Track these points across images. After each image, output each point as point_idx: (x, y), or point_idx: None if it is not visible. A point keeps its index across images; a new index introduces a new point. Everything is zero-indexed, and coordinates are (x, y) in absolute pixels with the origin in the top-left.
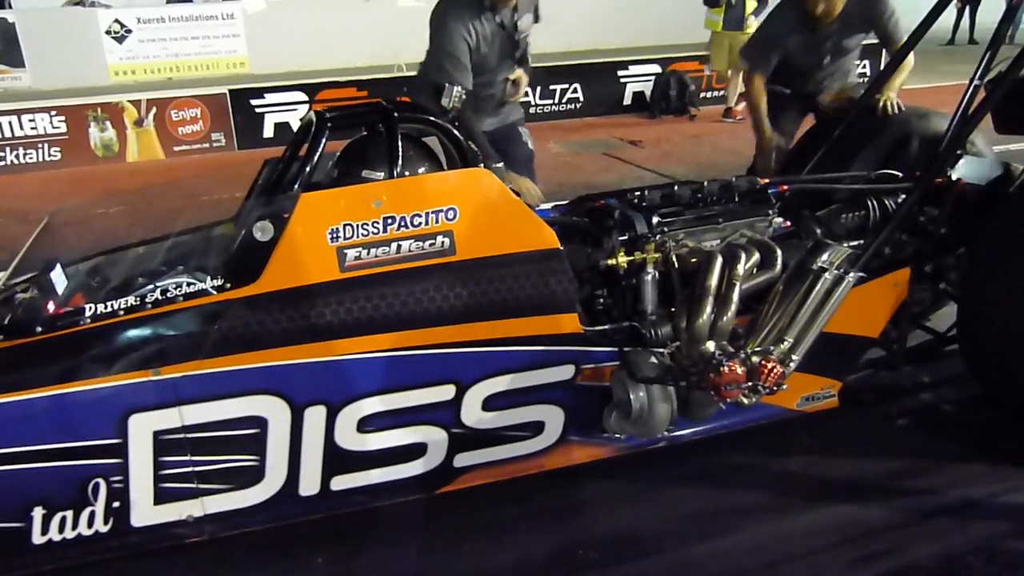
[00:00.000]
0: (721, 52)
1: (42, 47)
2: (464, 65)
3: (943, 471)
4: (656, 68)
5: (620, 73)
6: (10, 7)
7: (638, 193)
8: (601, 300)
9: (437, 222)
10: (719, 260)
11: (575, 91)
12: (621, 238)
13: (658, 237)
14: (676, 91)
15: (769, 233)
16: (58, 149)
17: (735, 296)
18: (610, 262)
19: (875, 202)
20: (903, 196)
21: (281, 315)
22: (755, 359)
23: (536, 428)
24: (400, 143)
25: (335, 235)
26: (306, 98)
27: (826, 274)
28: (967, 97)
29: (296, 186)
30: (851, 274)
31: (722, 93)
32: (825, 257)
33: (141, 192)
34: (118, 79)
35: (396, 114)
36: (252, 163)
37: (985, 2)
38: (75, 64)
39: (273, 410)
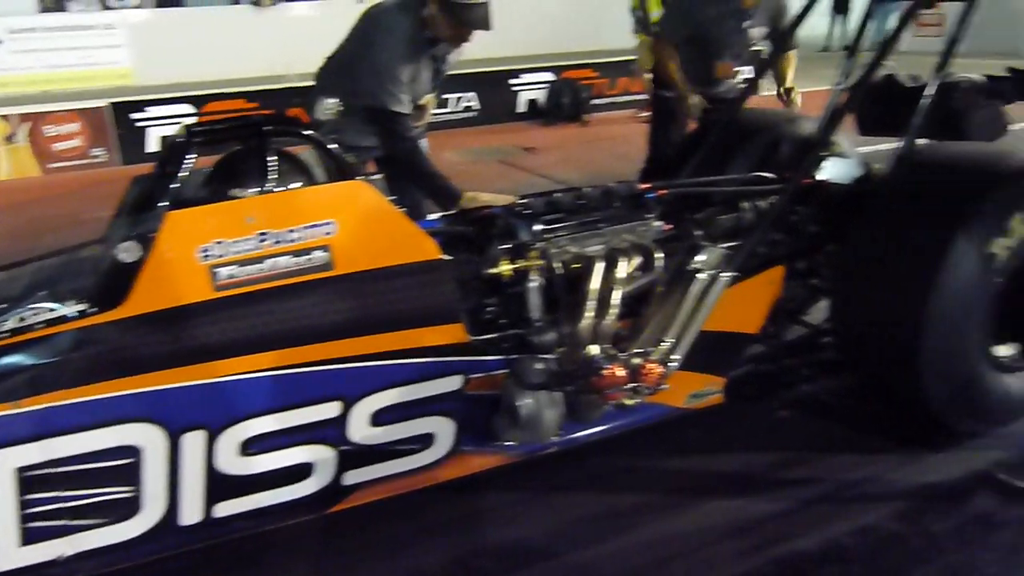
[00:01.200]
0: (644, 54)
1: None
2: (407, 90)
3: (823, 458)
4: (549, 76)
5: (513, 81)
6: None
7: (523, 201)
8: (488, 309)
9: (314, 236)
10: (600, 265)
11: (470, 100)
12: (504, 247)
13: (540, 244)
14: (569, 98)
15: (650, 236)
16: None
17: (616, 300)
18: (494, 271)
19: (749, 204)
20: (775, 197)
21: (151, 338)
22: (636, 361)
23: (426, 441)
24: (276, 158)
25: (206, 253)
26: (193, 110)
27: (700, 275)
28: (831, 101)
29: (163, 203)
30: (724, 274)
31: (613, 100)
32: (700, 258)
33: (10, 212)
34: None
35: (267, 128)
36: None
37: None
38: None
39: (148, 438)
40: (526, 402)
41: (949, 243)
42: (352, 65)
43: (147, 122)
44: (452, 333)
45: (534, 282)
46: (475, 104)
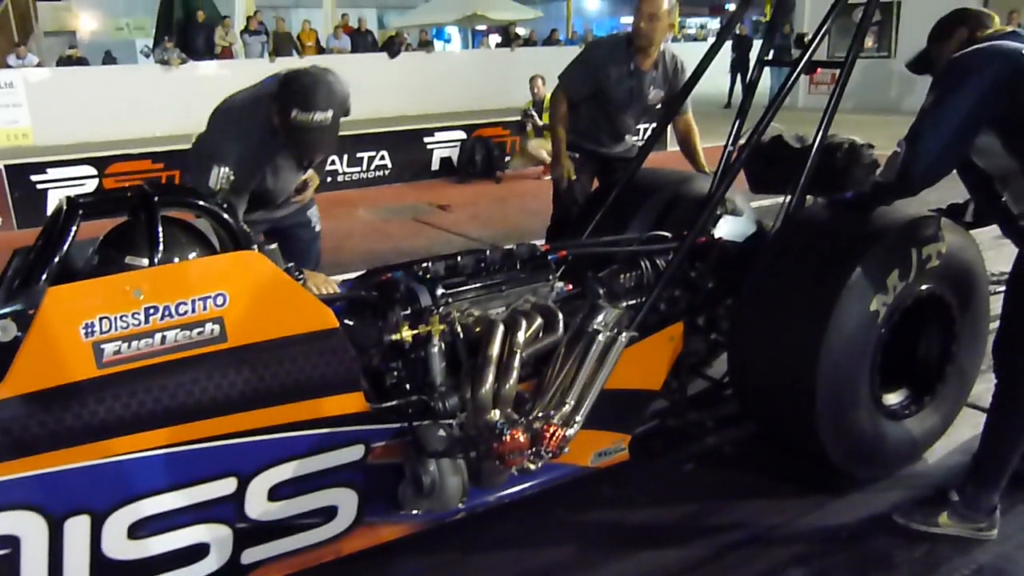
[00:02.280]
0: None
1: None
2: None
3: (730, 508)
4: (462, 134)
5: (427, 139)
6: None
7: (424, 264)
8: (390, 375)
9: (205, 309)
10: (500, 328)
11: (383, 158)
12: (405, 312)
13: (442, 308)
14: (482, 155)
15: (552, 297)
16: None
17: (516, 363)
18: (394, 336)
19: (648, 262)
20: (672, 255)
21: (30, 420)
22: (537, 424)
23: (328, 513)
24: (169, 228)
25: (90, 330)
26: (95, 172)
27: (600, 336)
28: (723, 161)
29: (43, 279)
30: (623, 334)
31: None
32: (600, 319)
33: None
34: None
35: (157, 198)
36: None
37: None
38: None
39: (26, 526)
40: (428, 470)
41: (832, 300)
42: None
43: (46, 184)
44: (351, 402)
45: (436, 347)
46: (388, 162)
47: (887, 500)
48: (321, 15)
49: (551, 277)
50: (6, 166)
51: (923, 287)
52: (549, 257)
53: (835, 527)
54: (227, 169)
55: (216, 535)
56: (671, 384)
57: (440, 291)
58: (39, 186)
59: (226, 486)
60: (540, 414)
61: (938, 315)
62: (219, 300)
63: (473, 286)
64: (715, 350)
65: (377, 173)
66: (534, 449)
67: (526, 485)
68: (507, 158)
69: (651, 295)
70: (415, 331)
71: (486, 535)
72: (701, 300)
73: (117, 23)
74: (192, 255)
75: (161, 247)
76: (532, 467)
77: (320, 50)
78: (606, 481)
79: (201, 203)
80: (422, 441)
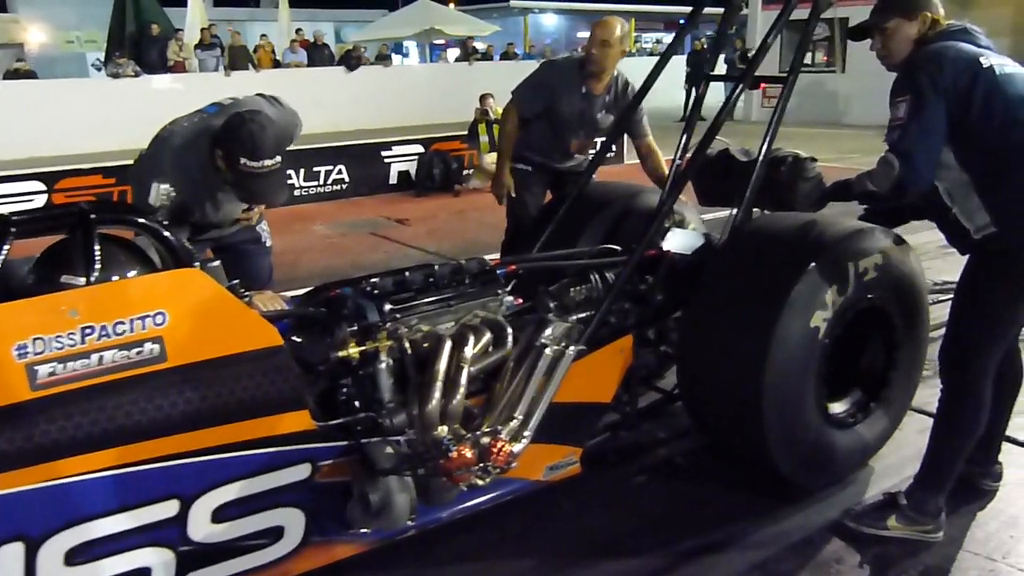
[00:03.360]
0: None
1: None
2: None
3: (685, 518)
4: (419, 148)
5: (384, 153)
6: None
7: (373, 280)
8: (338, 392)
9: (144, 328)
10: (447, 344)
11: (340, 172)
12: (352, 328)
13: (389, 324)
14: (440, 169)
15: (502, 312)
16: None
17: (464, 378)
18: (341, 353)
19: (597, 276)
20: (621, 268)
21: None
22: (485, 439)
23: (275, 534)
24: (108, 246)
25: (23, 351)
26: (44, 188)
27: (547, 350)
28: (671, 175)
29: None
30: (571, 348)
31: None
32: (548, 333)
33: None
34: None
35: (95, 215)
36: None
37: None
38: None
39: None
40: (376, 488)
41: (774, 315)
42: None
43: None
44: (297, 420)
45: (384, 363)
46: (346, 176)
47: (837, 505)
48: (277, 29)
49: (500, 292)
50: None
51: (863, 299)
52: (498, 272)
53: (787, 533)
54: (167, 186)
55: (159, 559)
56: (622, 397)
57: (388, 307)
58: None
59: (168, 508)
60: (488, 429)
61: (880, 324)
62: (158, 319)
63: (421, 301)
64: (666, 362)
65: (334, 187)
66: (482, 465)
67: (479, 500)
68: (465, 172)
69: (600, 308)
70: (362, 348)
71: (440, 551)
72: (651, 313)
73: (67, 36)
74: (131, 273)
75: (98, 265)
76: (481, 483)
77: (276, 64)
78: (559, 494)
79: (140, 220)
80: (370, 459)
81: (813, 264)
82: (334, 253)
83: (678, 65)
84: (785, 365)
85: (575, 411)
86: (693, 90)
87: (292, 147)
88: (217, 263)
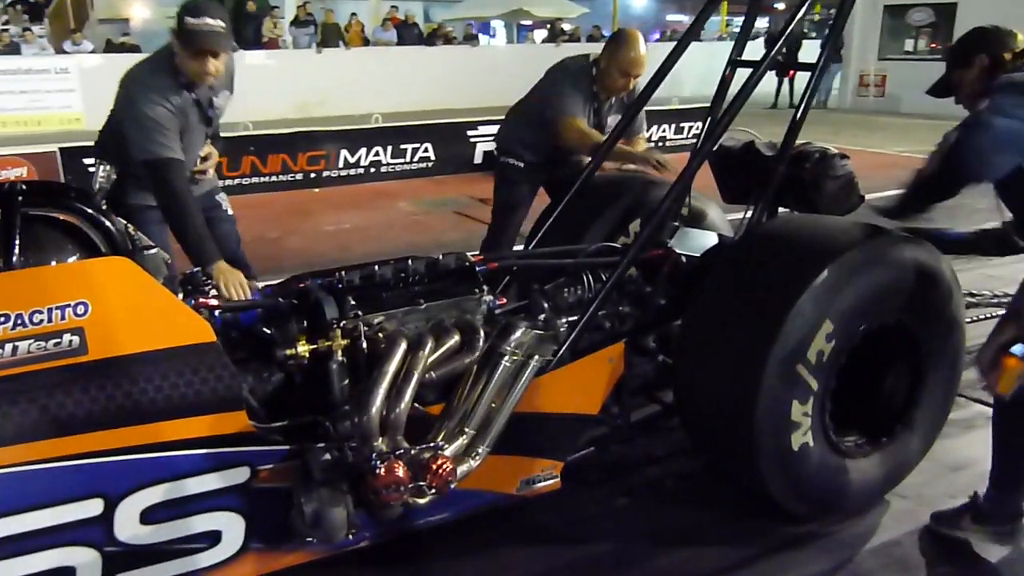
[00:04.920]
0: None
1: None
2: (176, 138)
3: (668, 549)
4: None
5: (470, 133)
6: None
7: (340, 273)
8: (283, 393)
9: (63, 318)
10: (401, 346)
11: (426, 150)
12: (308, 324)
13: (345, 323)
14: None
15: (481, 312)
16: None
17: (411, 386)
18: (289, 352)
19: (591, 277)
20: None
21: None
22: (426, 455)
23: (212, 538)
24: (40, 230)
25: None
26: None
27: (505, 360)
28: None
29: None
30: (534, 358)
31: None
32: (514, 338)
33: None
34: None
35: (22, 196)
36: None
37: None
38: None
39: None
40: (310, 499)
41: (774, 325)
42: (119, 127)
43: None
44: (231, 422)
45: (336, 364)
46: (432, 155)
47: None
48: (368, 7)
49: (478, 291)
50: (60, 149)
51: (883, 315)
52: (478, 269)
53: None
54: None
55: (83, 559)
56: (611, 408)
57: (350, 303)
58: (91, 168)
59: (91, 507)
60: (431, 444)
61: (904, 346)
62: (79, 309)
63: (388, 298)
64: (666, 372)
65: (420, 165)
66: (416, 484)
67: (444, 514)
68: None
69: (586, 312)
70: (313, 346)
71: (388, 568)
72: (650, 318)
73: (168, 12)
74: (57, 261)
75: (17, 250)
76: (419, 502)
77: (366, 42)
78: (533, 510)
79: (71, 203)
80: (308, 466)
81: (824, 274)
82: (417, 230)
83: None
84: (785, 383)
85: (556, 422)
86: (786, 79)
87: (381, 124)
88: (155, 250)
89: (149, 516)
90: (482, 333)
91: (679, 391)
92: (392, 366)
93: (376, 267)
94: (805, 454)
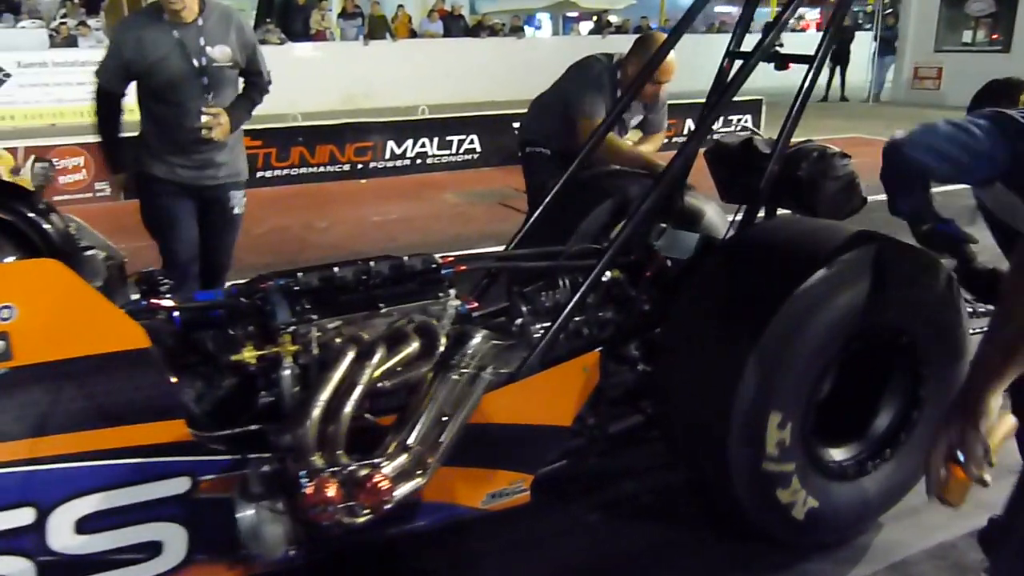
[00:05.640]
0: None
1: None
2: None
3: (640, 568)
4: None
5: (516, 124)
6: None
7: (298, 275)
8: (228, 401)
9: None
10: (348, 355)
11: (472, 142)
12: (258, 328)
13: (296, 327)
14: None
15: (448, 316)
16: None
17: (353, 398)
18: (235, 358)
19: (568, 280)
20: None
21: None
22: (361, 472)
23: (152, 549)
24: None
25: None
26: None
27: (453, 374)
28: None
29: None
30: (487, 371)
31: None
32: (467, 349)
33: None
34: None
35: None
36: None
37: (853, 63)
38: None
39: None
40: (245, 513)
41: (753, 335)
42: None
43: None
44: (169, 430)
45: (286, 371)
46: (477, 146)
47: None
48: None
49: (441, 294)
50: None
51: (877, 327)
52: (445, 271)
53: None
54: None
55: (15, 568)
56: (587, 420)
57: (305, 306)
58: None
59: (22, 516)
60: (369, 461)
61: (903, 360)
62: (4, 313)
63: (345, 301)
64: (648, 383)
65: (466, 157)
66: (349, 504)
67: (403, 528)
68: None
69: (558, 319)
70: (261, 352)
71: None
72: (632, 324)
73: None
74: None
75: None
76: (354, 521)
77: (412, 34)
78: (501, 525)
79: (8, 203)
80: (246, 479)
81: (809, 281)
82: (462, 222)
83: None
84: (761, 398)
85: (525, 434)
86: (838, 69)
87: (427, 116)
88: (92, 252)
89: (85, 525)
90: (443, 340)
91: (656, 402)
92: (335, 375)
93: (336, 269)
94: (783, 472)
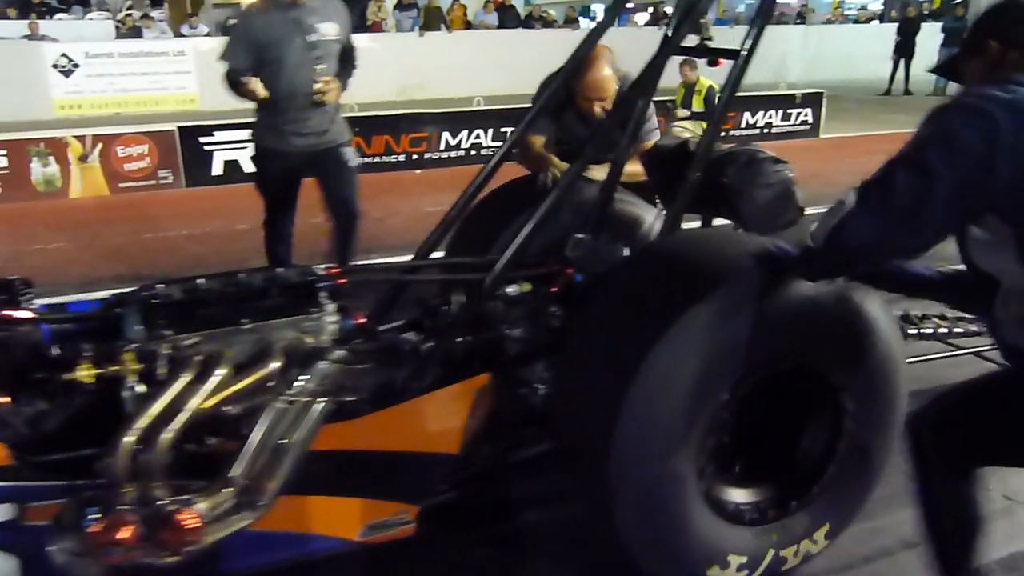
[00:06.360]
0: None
1: None
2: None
3: None
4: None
5: None
6: None
7: (158, 287)
8: (72, 421)
9: None
10: (184, 376)
11: None
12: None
13: (139, 345)
14: None
15: (329, 332)
16: None
17: (175, 425)
18: (67, 376)
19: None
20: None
21: None
22: (169, 508)
23: None
24: None
25: None
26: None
27: (277, 403)
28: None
29: None
30: (319, 401)
31: None
32: (309, 373)
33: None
34: (63, 113)
35: None
36: (201, 201)
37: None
38: (18, 97)
39: None
40: (62, 545)
41: (634, 361)
42: None
43: (213, 146)
44: None
45: (127, 391)
46: None
47: None
48: None
49: (316, 309)
50: (179, 128)
51: (786, 358)
52: (323, 284)
53: None
54: None
55: None
56: (482, 447)
57: (159, 321)
58: (206, 147)
59: None
60: (178, 498)
61: (821, 396)
62: None
63: (204, 316)
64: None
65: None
66: (144, 544)
67: (266, 559)
68: None
69: (442, 338)
70: (100, 371)
71: None
72: (534, 345)
73: None
74: None
75: None
76: (157, 561)
77: (468, 25)
78: (380, 559)
79: None
80: (63, 509)
81: (703, 302)
82: None
83: (882, 35)
84: (645, 430)
85: (407, 462)
86: (902, 62)
87: (482, 107)
88: None
89: None
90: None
91: (552, 428)
92: (161, 400)
93: (200, 281)
94: (669, 511)
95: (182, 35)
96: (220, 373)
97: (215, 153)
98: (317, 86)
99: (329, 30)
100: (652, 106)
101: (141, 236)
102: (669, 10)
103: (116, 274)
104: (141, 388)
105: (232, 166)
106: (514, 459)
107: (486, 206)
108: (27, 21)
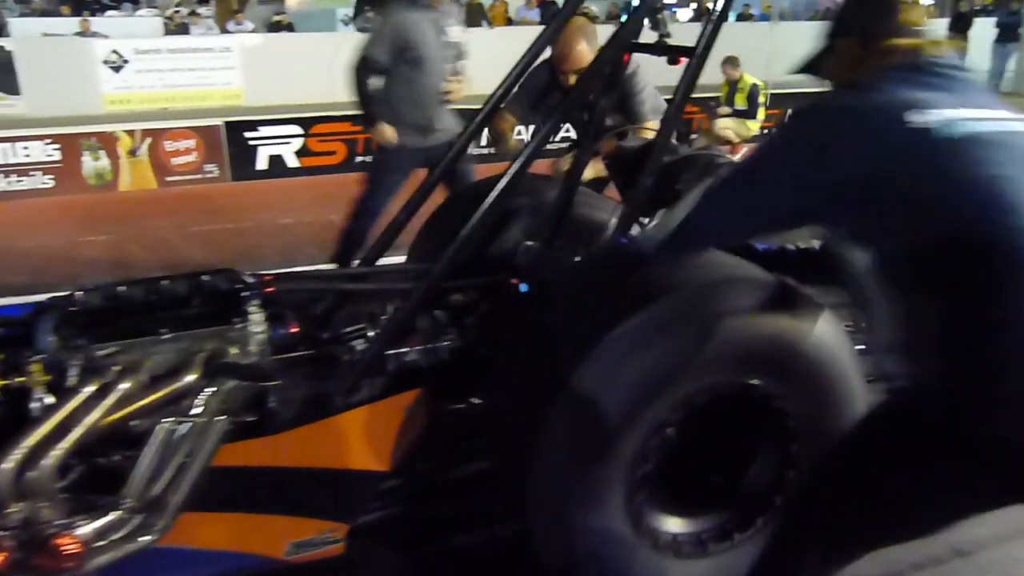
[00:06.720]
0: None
1: (38, 75)
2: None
3: None
4: None
5: None
6: (7, 35)
7: (78, 294)
8: None
9: None
10: (86, 388)
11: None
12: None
13: (48, 355)
14: None
15: (256, 343)
16: (51, 177)
17: (65, 442)
18: None
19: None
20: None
21: None
22: (48, 532)
23: None
24: None
25: None
26: (301, 131)
27: (165, 422)
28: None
29: None
30: (222, 419)
31: None
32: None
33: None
34: (113, 108)
35: None
36: (246, 195)
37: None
38: (70, 93)
39: None
40: None
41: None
42: None
43: (258, 141)
44: None
45: (36, 404)
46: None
47: None
48: None
49: (241, 319)
50: (225, 123)
51: (730, 382)
52: (250, 293)
53: None
54: None
55: None
56: (415, 464)
57: (73, 331)
58: (251, 142)
59: None
60: (59, 521)
61: (768, 422)
62: None
63: (121, 326)
64: None
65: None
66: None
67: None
68: (692, 136)
69: (370, 350)
70: (5, 381)
71: None
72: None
73: None
74: None
75: None
76: None
77: (509, 21)
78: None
79: None
80: None
81: (640, 316)
82: None
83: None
84: (563, 453)
85: (334, 479)
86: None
87: None
88: None
89: None
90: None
91: (490, 448)
92: (53, 415)
93: (121, 288)
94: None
95: (228, 32)
96: (125, 386)
97: (259, 148)
98: (448, 85)
99: (455, 33)
100: (641, 97)
101: (188, 229)
102: (710, 5)
103: (164, 266)
104: (49, 400)
105: (276, 160)
106: (449, 476)
107: (446, 209)
108: (79, 18)
